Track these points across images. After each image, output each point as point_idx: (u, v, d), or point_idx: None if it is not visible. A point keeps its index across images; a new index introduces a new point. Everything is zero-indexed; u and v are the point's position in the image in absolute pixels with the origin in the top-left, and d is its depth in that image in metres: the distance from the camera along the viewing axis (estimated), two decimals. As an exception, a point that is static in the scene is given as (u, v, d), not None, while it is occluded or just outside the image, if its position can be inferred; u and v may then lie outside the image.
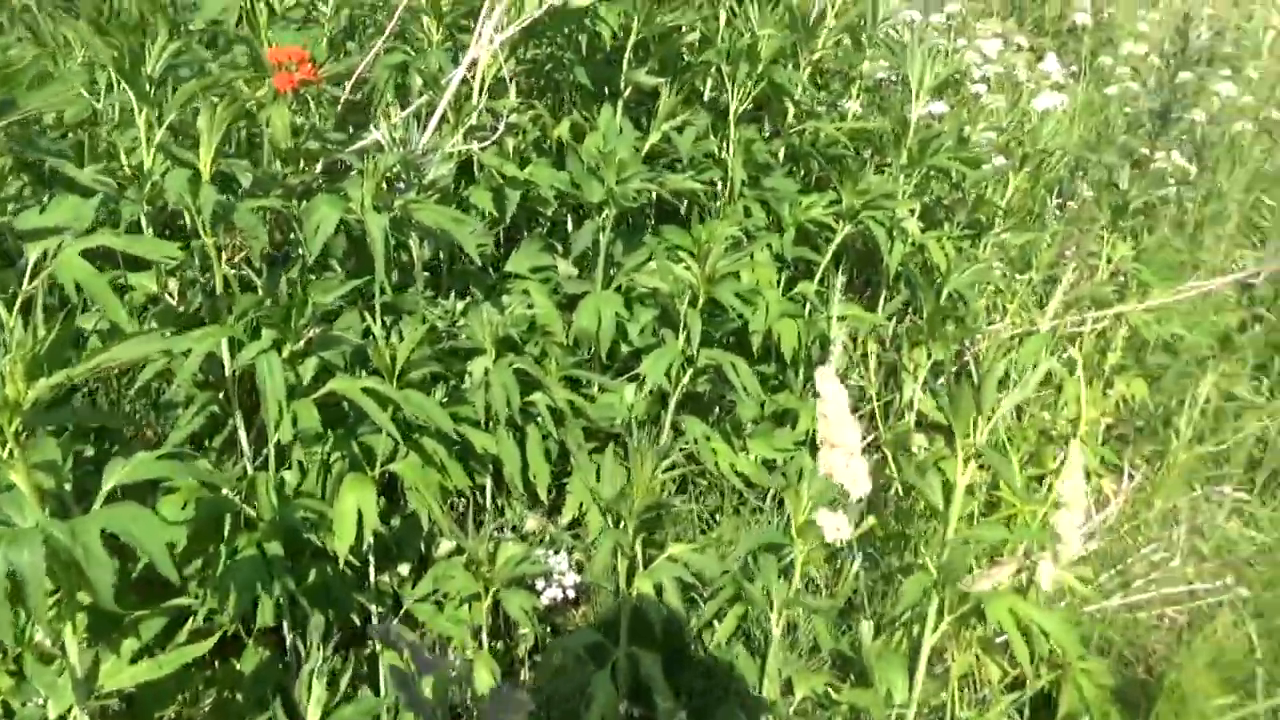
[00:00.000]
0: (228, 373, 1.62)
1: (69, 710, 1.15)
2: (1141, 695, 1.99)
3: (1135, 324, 2.42)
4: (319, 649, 1.22)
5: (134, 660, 1.16)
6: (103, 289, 1.39)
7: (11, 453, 1.06)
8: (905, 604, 1.49)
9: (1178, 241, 3.52)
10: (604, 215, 2.03)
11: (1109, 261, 2.47)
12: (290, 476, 1.67)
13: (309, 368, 1.61)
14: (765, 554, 1.55)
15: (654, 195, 2.26)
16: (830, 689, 1.54)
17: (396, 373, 1.66)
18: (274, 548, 1.49)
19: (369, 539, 1.56)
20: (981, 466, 1.49)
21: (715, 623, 1.65)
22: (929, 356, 2.25)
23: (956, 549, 1.46)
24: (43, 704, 1.19)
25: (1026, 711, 1.75)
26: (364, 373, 1.73)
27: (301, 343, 1.60)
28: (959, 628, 1.61)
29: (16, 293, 1.34)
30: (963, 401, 1.44)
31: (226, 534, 1.54)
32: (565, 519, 1.96)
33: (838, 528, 1.40)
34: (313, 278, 1.79)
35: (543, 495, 1.83)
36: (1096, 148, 3.74)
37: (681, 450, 2.01)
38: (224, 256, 1.65)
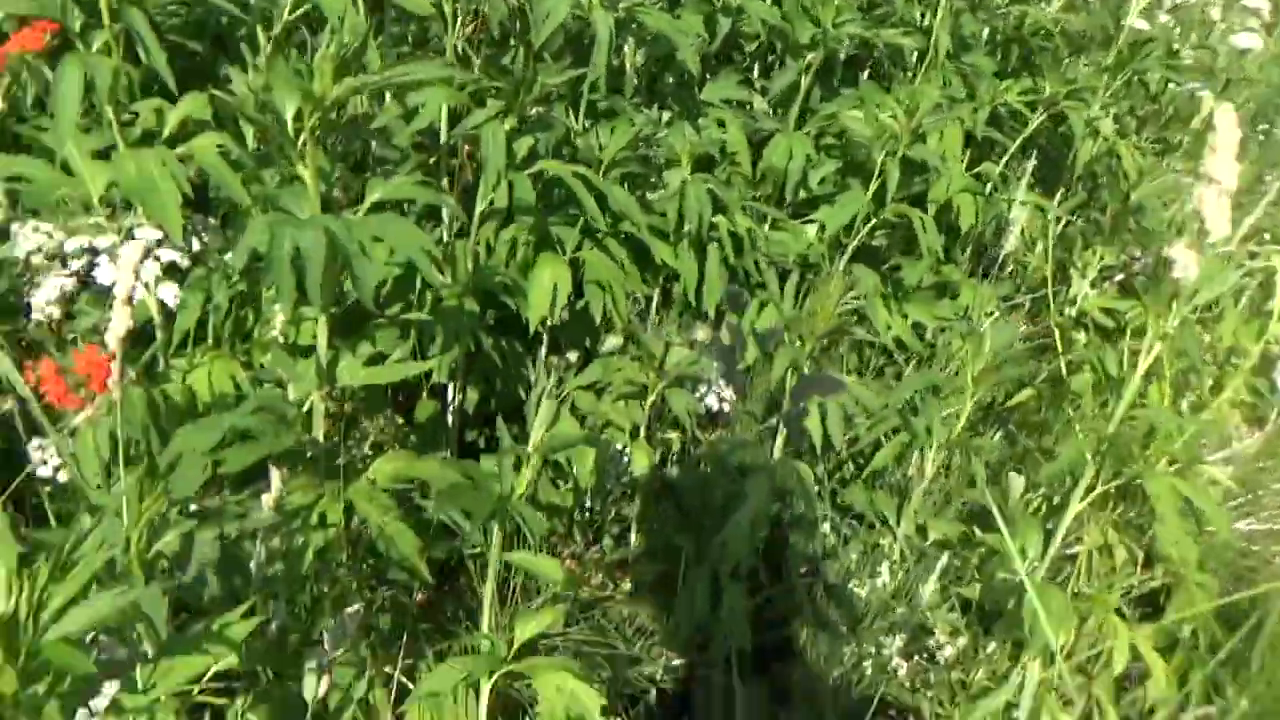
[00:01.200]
0: (442, 140, 1.69)
1: (307, 395, 1.26)
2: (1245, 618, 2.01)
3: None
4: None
5: (367, 363, 1.27)
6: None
7: (305, 148, 1.14)
8: (1058, 467, 1.53)
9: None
10: (809, 57, 2.02)
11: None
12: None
13: (522, 146, 1.67)
14: (929, 395, 1.59)
15: (847, 54, 2.24)
16: (967, 535, 1.60)
17: (603, 168, 1.72)
18: (470, 304, 1.58)
19: (559, 314, 1.64)
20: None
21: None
22: (1099, 259, 2.23)
23: (1126, 423, 1.48)
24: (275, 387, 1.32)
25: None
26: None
27: (518, 120, 1.66)
28: (1101, 506, 1.65)
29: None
30: (1161, 287, 1.45)
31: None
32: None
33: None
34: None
35: (710, 311, 1.89)
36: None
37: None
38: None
